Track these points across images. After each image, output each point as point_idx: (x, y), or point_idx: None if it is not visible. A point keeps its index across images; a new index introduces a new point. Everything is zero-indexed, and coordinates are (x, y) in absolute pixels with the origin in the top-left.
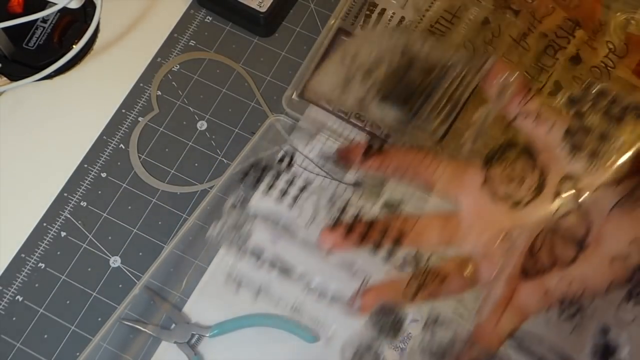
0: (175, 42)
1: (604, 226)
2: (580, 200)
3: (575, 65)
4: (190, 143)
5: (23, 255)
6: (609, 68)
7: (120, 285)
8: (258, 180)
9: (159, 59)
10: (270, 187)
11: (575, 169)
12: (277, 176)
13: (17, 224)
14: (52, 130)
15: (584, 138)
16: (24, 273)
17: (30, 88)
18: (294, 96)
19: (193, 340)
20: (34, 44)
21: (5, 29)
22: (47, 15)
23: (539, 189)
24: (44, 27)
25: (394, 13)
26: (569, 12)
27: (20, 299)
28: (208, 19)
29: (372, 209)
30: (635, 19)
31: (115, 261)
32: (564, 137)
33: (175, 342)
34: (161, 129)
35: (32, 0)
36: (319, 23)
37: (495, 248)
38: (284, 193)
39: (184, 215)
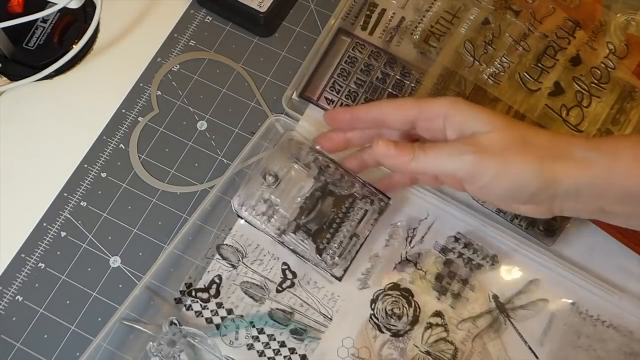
0: (175, 42)
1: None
2: (447, 331)
3: (575, 66)
4: (190, 143)
5: (23, 255)
6: (609, 69)
7: (120, 285)
8: (189, 308)
9: (159, 59)
10: (199, 314)
11: (443, 306)
12: (206, 301)
13: (17, 224)
14: (52, 130)
15: (450, 282)
16: (24, 273)
17: (30, 88)
18: (294, 96)
19: (193, 351)
20: (34, 44)
21: (5, 29)
22: (47, 15)
23: (414, 322)
24: (44, 27)
25: (394, 13)
26: (570, 12)
27: (20, 299)
28: (208, 19)
29: (282, 335)
30: (636, 20)
31: (115, 261)
32: (435, 280)
33: (174, 353)
34: (161, 129)
35: (32, 0)
36: (319, 23)
37: None
38: (209, 321)
39: (184, 215)
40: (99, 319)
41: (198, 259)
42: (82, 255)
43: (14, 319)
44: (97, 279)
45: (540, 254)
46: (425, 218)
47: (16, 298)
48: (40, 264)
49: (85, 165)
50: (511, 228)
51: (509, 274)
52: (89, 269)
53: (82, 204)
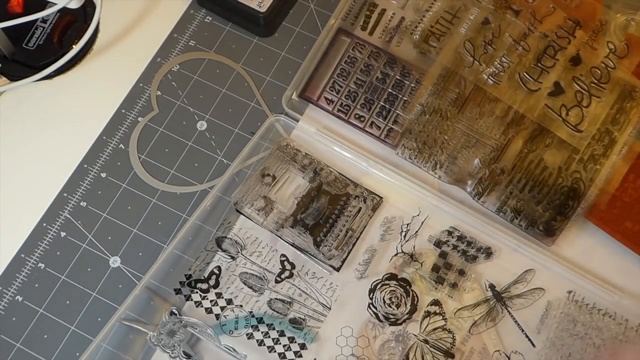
0: (175, 42)
1: (467, 342)
2: (445, 320)
3: (575, 66)
4: (190, 143)
5: (23, 255)
6: (609, 69)
7: (120, 285)
8: (188, 298)
9: (159, 59)
10: (199, 304)
11: (440, 296)
12: (206, 292)
13: (17, 224)
14: (52, 130)
15: (447, 272)
16: (24, 273)
17: (30, 88)
18: (294, 96)
19: (192, 341)
20: (34, 44)
21: (5, 29)
22: (47, 15)
23: (412, 311)
24: (43, 27)
25: (394, 13)
26: (570, 12)
27: (20, 299)
28: (208, 19)
29: (281, 325)
30: (636, 20)
31: (115, 261)
32: (432, 271)
33: (174, 342)
34: (161, 129)
35: (32, 0)
36: (319, 23)
37: None
38: (209, 311)
39: (184, 216)
40: (99, 319)
41: (198, 260)
42: (82, 256)
43: (14, 319)
44: (97, 279)
45: (540, 253)
46: (418, 215)
47: (16, 298)
48: (40, 264)
49: (85, 165)
50: (511, 228)
51: (505, 265)
52: (89, 269)
53: (82, 204)
